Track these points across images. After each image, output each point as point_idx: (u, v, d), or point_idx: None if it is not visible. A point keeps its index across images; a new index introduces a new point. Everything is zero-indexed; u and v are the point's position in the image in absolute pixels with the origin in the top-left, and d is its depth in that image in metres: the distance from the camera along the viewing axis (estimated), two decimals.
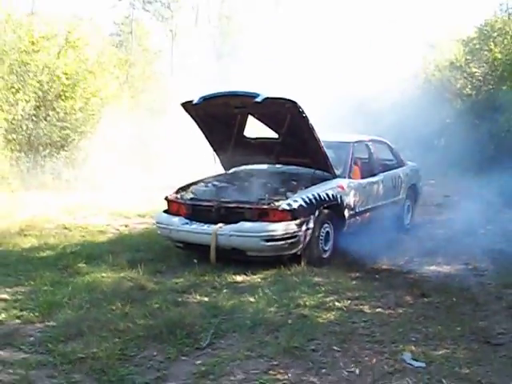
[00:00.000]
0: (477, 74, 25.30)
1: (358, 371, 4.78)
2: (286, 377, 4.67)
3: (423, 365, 4.87)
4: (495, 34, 24.94)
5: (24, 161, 18.46)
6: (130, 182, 18.57)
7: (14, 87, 18.29)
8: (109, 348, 5.12)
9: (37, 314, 6.10)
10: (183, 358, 5.10)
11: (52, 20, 21.89)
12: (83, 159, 20.55)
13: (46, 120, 19.40)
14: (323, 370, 4.81)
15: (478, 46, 25.96)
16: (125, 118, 21.37)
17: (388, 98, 32.97)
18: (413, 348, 5.24)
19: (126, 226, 11.58)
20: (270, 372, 4.77)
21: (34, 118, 19.03)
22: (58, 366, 4.87)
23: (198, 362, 5.00)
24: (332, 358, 5.06)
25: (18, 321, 6.00)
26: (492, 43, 24.02)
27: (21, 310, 6.23)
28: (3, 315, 6.09)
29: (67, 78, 19.64)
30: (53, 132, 19.44)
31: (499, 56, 22.91)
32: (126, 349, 5.19)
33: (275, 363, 4.94)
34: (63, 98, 19.74)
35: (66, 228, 11.15)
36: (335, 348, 5.26)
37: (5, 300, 6.64)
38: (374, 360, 4.98)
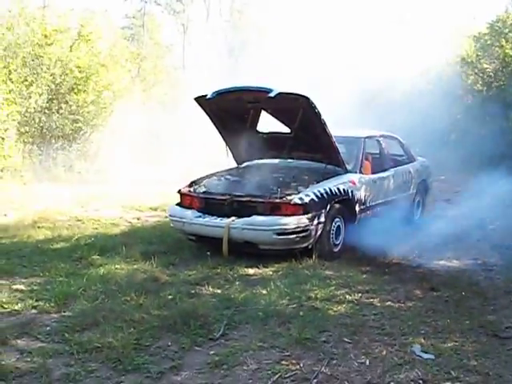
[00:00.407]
0: (488, 70, 25.23)
1: (368, 362, 4.87)
2: (297, 367, 4.76)
3: (432, 357, 4.95)
4: (507, 30, 24.88)
5: (36, 153, 18.65)
6: (141, 174, 18.68)
7: (27, 80, 18.44)
8: (124, 338, 5.21)
9: (52, 304, 6.21)
10: (197, 348, 5.19)
11: (64, 13, 21.98)
12: (95, 152, 20.70)
13: (58, 113, 19.56)
14: (334, 361, 4.89)
15: (489, 42, 25.89)
16: (137, 111, 21.46)
17: (399, 93, 32.93)
18: (422, 340, 5.32)
19: (138, 219, 11.68)
20: (283, 362, 4.86)
21: (46, 110, 19.19)
22: (74, 355, 4.96)
23: (212, 352, 5.09)
24: (343, 349, 5.15)
25: (34, 311, 6.10)
26: (503, 39, 23.95)
27: (37, 301, 6.32)
28: (19, 305, 6.19)
29: (80, 72, 19.76)
30: (65, 125, 19.59)
31: (511, 52, 22.86)
32: (141, 338, 5.27)
33: (287, 354, 5.02)
34: (76, 91, 19.86)
35: (78, 220, 11.28)
36: (346, 340, 5.35)
37: (21, 290, 6.74)
38: (384, 352, 5.06)
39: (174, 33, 52.29)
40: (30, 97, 18.27)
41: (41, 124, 19.06)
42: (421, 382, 4.52)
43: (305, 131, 8.75)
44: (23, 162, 17.46)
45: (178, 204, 8.97)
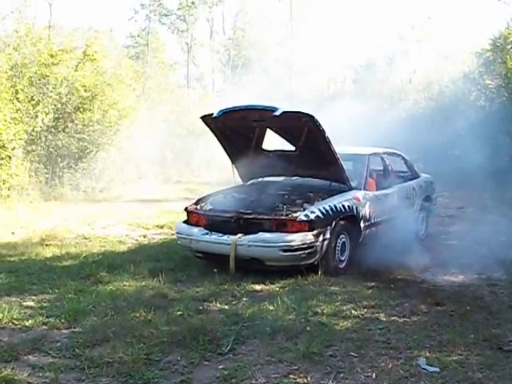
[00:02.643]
0: (490, 86, 25.36)
1: (374, 375, 4.94)
2: (305, 380, 4.84)
3: (437, 370, 5.03)
4: (509, 47, 25.02)
5: (43, 172, 18.74)
6: (147, 192, 18.79)
7: (33, 99, 18.57)
8: (134, 353, 5.29)
9: (63, 320, 6.29)
10: (206, 362, 5.27)
11: (70, 33, 22.20)
12: (101, 170, 20.79)
13: (64, 132, 19.68)
14: (341, 375, 4.97)
15: (491, 58, 26.04)
16: (142, 130, 21.60)
17: (402, 110, 33.03)
18: (427, 354, 5.40)
19: (144, 237, 11.75)
20: (291, 376, 4.94)
21: (53, 129, 19.32)
22: (85, 370, 5.04)
23: (221, 366, 5.17)
24: (349, 363, 5.22)
25: (44, 327, 6.18)
26: (506, 55, 24.08)
27: (47, 317, 6.41)
28: (30, 321, 6.27)
29: (85, 91, 19.89)
30: (71, 144, 19.71)
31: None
32: (150, 354, 5.36)
33: (295, 368, 5.10)
34: (81, 110, 19.98)
35: (85, 238, 11.36)
36: (352, 354, 5.42)
37: (31, 307, 6.83)
38: (390, 365, 5.14)
39: (178, 51, 52.66)
40: (37, 116, 18.40)
41: (47, 143, 19.19)
42: None
43: (309, 149, 8.84)
44: (30, 181, 17.55)
45: (184, 221, 9.06)
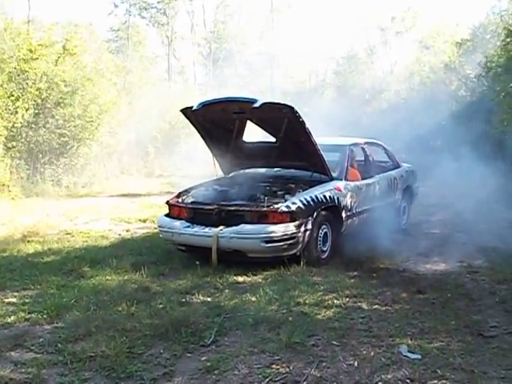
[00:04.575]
0: (471, 75, 25.49)
1: (356, 364, 4.96)
2: (287, 370, 4.85)
3: (419, 357, 5.06)
4: (488, 36, 25.16)
5: (24, 168, 18.63)
6: (129, 187, 18.74)
7: (13, 95, 18.43)
8: (117, 346, 5.27)
9: (45, 316, 6.26)
10: (189, 354, 5.27)
11: (49, 27, 22.06)
12: (82, 165, 20.74)
13: (45, 127, 19.59)
14: (323, 364, 4.98)
15: (471, 48, 26.17)
16: (123, 124, 21.55)
17: (383, 100, 33.16)
18: (409, 341, 5.43)
19: (127, 231, 11.73)
20: (273, 366, 4.95)
21: (33, 125, 19.22)
22: (68, 365, 5.02)
23: (203, 358, 5.17)
24: (331, 352, 5.24)
25: (26, 323, 6.14)
26: (486, 45, 24.23)
27: (29, 313, 6.37)
28: (12, 318, 6.24)
29: (65, 86, 19.82)
30: (52, 139, 19.64)
31: (492, 58, 23.12)
32: (133, 347, 5.35)
33: (277, 358, 5.11)
34: (62, 105, 19.91)
35: (68, 233, 11.32)
36: (334, 343, 5.44)
37: (13, 303, 6.79)
38: (372, 353, 5.16)
39: (158, 45, 52.53)
40: (17, 112, 18.27)
41: (28, 139, 19.09)
42: (408, 381, 4.62)
43: (290, 140, 8.85)
44: (11, 177, 17.45)
45: (166, 215, 9.05)
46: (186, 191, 9.32)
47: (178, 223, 8.62)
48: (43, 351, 5.37)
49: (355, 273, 8.04)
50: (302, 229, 8.12)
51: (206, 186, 9.58)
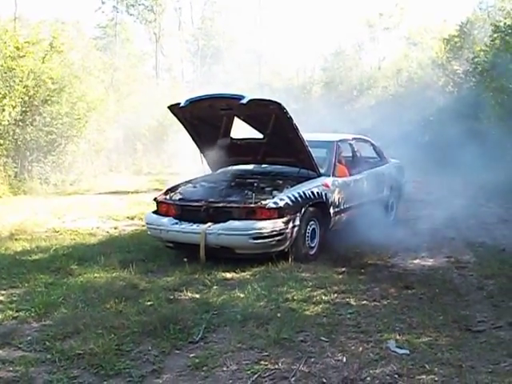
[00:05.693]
0: (458, 71, 25.57)
1: (344, 359, 4.96)
2: (276, 366, 4.85)
3: (407, 352, 5.07)
4: (476, 32, 25.24)
5: (11, 166, 18.55)
6: (117, 184, 18.70)
7: (0, 93, 18.34)
8: (105, 344, 5.26)
9: (33, 314, 6.23)
10: (177, 351, 5.26)
11: (36, 25, 21.95)
12: (70, 163, 20.68)
13: (32, 125, 19.51)
14: (312, 359, 4.98)
15: (459, 44, 26.24)
16: (111, 122, 21.49)
17: (371, 96, 33.20)
18: (397, 336, 5.44)
19: (115, 229, 11.70)
20: (261, 362, 4.94)
21: (20, 123, 19.13)
22: (56, 363, 5.00)
23: (192, 355, 5.16)
24: (320, 347, 5.24)
25: (14, 321, 6.11)
26: (472, 41, 24.31)
27: (17, 311, 6.33)
28: (0, 316, 6.21)
29: (53, 83, 19.74)
30: (39, 137, 19.57)
31: (480, 53, 23.20)
32: (121, 344, 5.33)
33: (266, 354, 5.11)
34: (49, 102, 19.84)
35: (56, 231, 11.27)
36: (323, 338, 5.44)
37: (0, 302, 6.75)
38: (360, 348, 5.17)
39: (146, 42, 52.43)
40: (4, 109, 18.17)
41: (15, 136, 19.00)
42: (396, 376, 4.62)
43: (278, 136, 8.85)
44: None
45: (154, 212, 9.03)
46: (174, 188, 9.29)
47: (165, 220, 8.60)
48: (31, 349, 5.34)
49: (343, 269, 8.04)
50: (290, 225, 8.13)
51: (193, 182, 9.56)
